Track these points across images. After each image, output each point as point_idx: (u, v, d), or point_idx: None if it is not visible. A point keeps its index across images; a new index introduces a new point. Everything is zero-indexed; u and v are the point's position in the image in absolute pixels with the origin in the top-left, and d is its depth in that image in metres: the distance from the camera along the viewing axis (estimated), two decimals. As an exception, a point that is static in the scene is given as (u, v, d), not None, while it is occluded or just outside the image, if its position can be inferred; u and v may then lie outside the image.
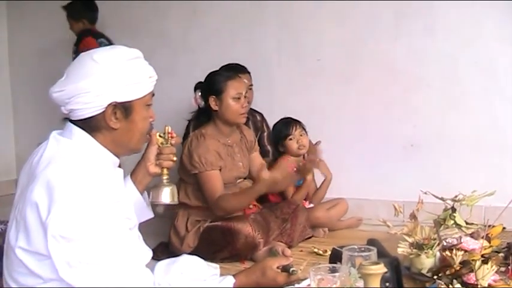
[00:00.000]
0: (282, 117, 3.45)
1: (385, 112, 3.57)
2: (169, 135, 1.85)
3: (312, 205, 3.36)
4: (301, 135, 3.34)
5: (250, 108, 3.48)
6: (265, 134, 3.56)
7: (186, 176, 2.90)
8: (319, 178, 3.43)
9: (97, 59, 1.62)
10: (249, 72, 3.43)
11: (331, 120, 3.69)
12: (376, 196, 3.54)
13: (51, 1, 4.26)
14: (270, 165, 3.18)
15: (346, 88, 3.67)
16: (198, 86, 3.03)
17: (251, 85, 3.41)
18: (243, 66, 3.43)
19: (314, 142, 3.41)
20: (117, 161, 1.71)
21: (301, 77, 3.78)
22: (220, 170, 2.86)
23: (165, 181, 1.85)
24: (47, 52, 4.50)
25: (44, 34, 4.56)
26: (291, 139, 3.33)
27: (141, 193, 1.86)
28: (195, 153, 2.83)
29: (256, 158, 3.12)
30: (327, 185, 3.38)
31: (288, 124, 3.36)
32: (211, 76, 2.97)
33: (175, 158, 1.85)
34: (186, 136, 3.22)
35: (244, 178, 3.05)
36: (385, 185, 3.54)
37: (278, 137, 3.38)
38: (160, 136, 1.84)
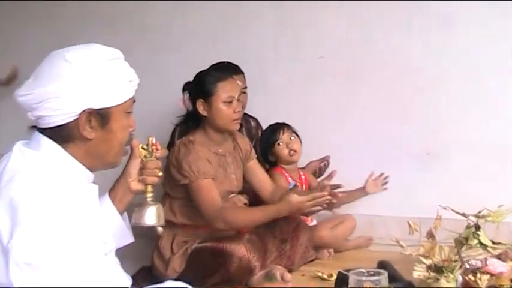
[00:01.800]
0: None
1: (398, 116, 3.58)
2: (154, 147, 1.86)
3: (315, 222, 3.36)
4: (290, 139, 3.34)
5: (244, 113, 3.47)
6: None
7: (173, 190, 2.91)
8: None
9: (70, 58, 1.62)
10: (242, 73, 3.44)
11: (335, 126, 3.69)
12: (388, 212, 3.54)
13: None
14: None
15: (352, 89, 3.67)
16: (186, 87, 3.04)
17: (245, 87, 3.42)
18: (236, 66, 3.44)
19: (321, 159, 3.45)
20: (91, 176, 1.70)
21: (301, 77, 3.78)
22: (213, 179, 2.87)
23: (149, 199, 1.85)
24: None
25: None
26: (279, 144, 3.33)
27: (121, 213, 1.86)
28: (184, 161, 2.83)
29: (255, 166, 3.14)
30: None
31: (273, 129, 3.37)
32: (200, 77, 2.98)
33: (161, 173, 1.86)
34: (171, 144, 3.24)
35: (238, 192, 3.05)
36: (398, 200, 3.53)
37: (266, 145, 3.38)
38: (143, 148, 1.85)
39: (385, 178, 3.30)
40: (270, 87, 3.84)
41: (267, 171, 3.36)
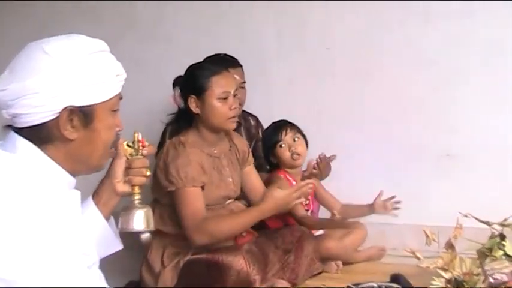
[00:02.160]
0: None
1: (412, 114, 3.60)
2: (140, 143, 1.86)
3: (321, 232, 3.35)
4: (294, 140, 3.34)
5: (243, 111, 3.48)
6: (261, 142, 3.56)
7: (162, 196, 2.91)
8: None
9: (50, 51, 1.61)
10: (241, 66, 3.45)
11: (343, 126, 3.71)
12: (402, 220, 3.50)
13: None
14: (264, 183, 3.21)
15: (362, 85, 3.68)
16: (178, 82, 3.04)
17: (243, 82, 3.43)
18: (234, 58, 3.45)
19: (325, 156, 3.41)
20: (73, 181, 1.69)
21: (306, 71, 3.80)
22: (203, 187, 2.87)
23: (136, 202, 1.86)
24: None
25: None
26: (281, 146, 3.33)
27: (107, 218, 1.86)
28: (171, 166, 2.83)
29: (251, 172, 3.14)
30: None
31: (276, 128, 3.37)
32: (191, 70, 2.98)
33: (149, 173, 1.86)
34: (162, 144, 3.24)
35: (236, 198, 3.06)
36: (414, 206, 3.51)
37: (267, 145, 3.40)
38: (128, 146, 1.85)
39: (396, 202, 3.30)
40: (272, 82, 3.86)
41: (269, 173, 3.37)
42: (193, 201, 2.81)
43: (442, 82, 3.54)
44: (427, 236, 2.30)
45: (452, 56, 3.52)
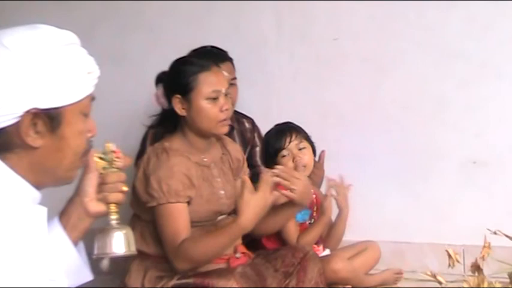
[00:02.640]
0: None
1: (433, 116, 3.63)
2: (114, 154, 1.85)
3: (327, 252, 3.35)
4: (300, 149, 3.33)
5: (236, 112, 3.47)
6: (257, 148, 3.60)
7: (142, 211, 2.91)
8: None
9: (9, 43, 1.61)
10: (230, 60, 3.46)
11: (354, 129, 3.73)
12: (421, 238, 3.57)
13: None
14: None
15: (375, 81, 3.70)
16: (161, 79, 3.02)
17: (234, 78, 3.43)
18: (222, 51, 3.46)
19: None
20: (37, 195, 1.69)
21: (310, 65, 3.82)
22: (189, 202, 2.86)
23: (114, 223, 1.84)
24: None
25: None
26: (284, 156, 3.32)
27: (76, 243, 1.82)
28: (152, 177, 2.82)
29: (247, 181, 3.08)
30: (343, 221, 3.37)
31: (279, 133, 3.36)
32: (175, 66, 2.98)
33: (125, 188, 1.84)
34: (142, 152, 3.24)
35: (229, 213, 3.03)
36: (435, 221, 3.57)
37: (268, 152, 3.39)
38: (100, 158, 1.83)
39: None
40: (270, 79, 3.88)
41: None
42: (175, 219, 2.80)
43: (468, 77, 3.55)
44: (450, 256, 2.24)
45: (478, 48, 3.53)
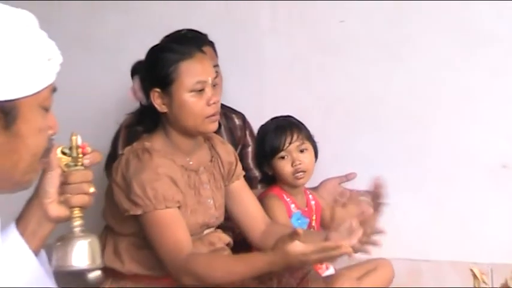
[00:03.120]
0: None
1: (459, 111, 3.63)
2: (80, 149, 1.86)
3: (332, 271, 3.34)
4: (301, 152, 3.34)
5: (223, 107, 3.46)
6: (250, 149, 3.63)
7: (117, 223, 2.93)
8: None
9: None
10: (211, 44, 3.49)
11: (364, 126, 3.74)
12: (442, 255, 3.58)
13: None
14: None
15: (390, 70, 3.70)
16: (137, 70, 3.02)
17: (216, 65, 3.42)
18: (201, 34, 3.48)
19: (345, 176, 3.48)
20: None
21: (312, 52, 3.81)
22: (179, 208, 2.86)
23: (77, 230, 1.86)
24: None
25: None
26: (282, 157, 3.31)
27: (36, 253, 1.84)
28: (135, 181, 2.82)
29: (241, 189, 3.13)
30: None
31: (278, 131, 3.34)
32: (153, 54, 2.99)
33: (92, 189, 1.86)
34: (114, 155, 3.27)
35: (218, 227, 3.07)
36: (458, 236, 3.58)
37: (264, 152, 3.37)
38: (64, 153, 1.86)
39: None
40: (264, 67, 3.89)
41: (265, 189, 3.38)
42: (172, 228, 2.80)
43: (500, 67, 3.55)
44: (475, 276, 2.33)
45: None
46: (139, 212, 2.80)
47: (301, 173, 3.28)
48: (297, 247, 2.66)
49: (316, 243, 2.69)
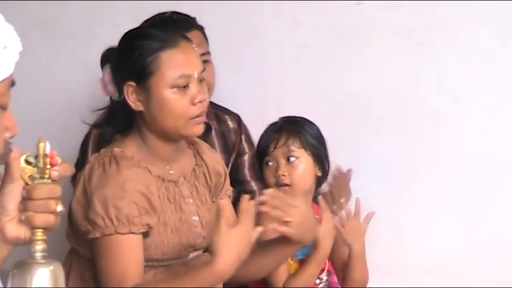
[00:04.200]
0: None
1: (498, 111, 3.70)
2: (48, 158, 1.83)
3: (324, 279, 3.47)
4: (288, 161, 3.42)
5: (215, 106, 3.57)
6: (246, 157, 3.72)
7: (82, 245, 2.96)
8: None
9: None
10: (199, 28, 3.54)
11: (385, 128, 3.82)
12: (478, 282, 3.63)
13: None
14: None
15: (415, 61, 3.77)
16: (108, 58, 3.04)
17: (206, 53, 3.50)
18: (188, 17, 3.55)
19: (340, 170, 3.56)
20: None
21: (323, 38, 3.89)
22: (146, 233, 2.89)
23: (38, 255, 1.84)
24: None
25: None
26: (268, 164, 3.44)
27: None
28: (96, 197, 2.83)
29: (227, 208, 3.10)
30: (357, 261, 3.45)
31: (269, 131, 3.49)
32: (127, 41, 3.01)
33: (60, 208, 1.83)
34: (82, 161, 3.34)
35: (205, 250, 3.09)
36: (497, 260, 3.67)
37: (258, 155, 3.56)
38: (28, 163, 1.84)
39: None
40: (265, 57, 3.97)
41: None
42: (123, 256, 2.83)
43: None
44: None
45: None
46: (97, 234, 2.82)
47: (280, 182, 3.39)
48: (231, 231, 2.76)
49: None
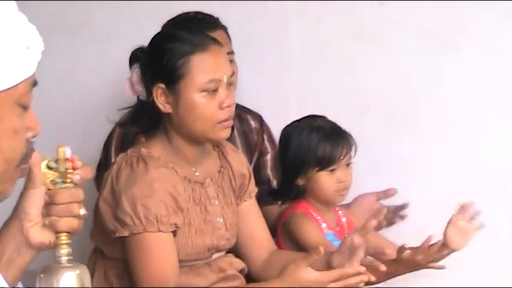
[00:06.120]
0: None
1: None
2: (70, 163, 1.85)
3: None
4: (347, 166, 3.35)
5: (237, 106, 3.46)
6: (268, 156, 3.70)
7: (107, 245, 2.96)
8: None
9: None
10: (223, 28, 3.53)
11: (409, 129, 3.78)
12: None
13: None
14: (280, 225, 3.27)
15: (440, 61, 3.73)
16: (137, 58, 3.04)
17: (230, 52, 3.45)
18: (211, 17, 3.54)
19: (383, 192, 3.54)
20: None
21: (345, 38, 3.85)
22: (175, 232, 2.89)
23: (64, 259, 1.84)
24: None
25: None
26: (333, 170, 3.34)
27: (14, 283, 1.86)
28: (124, 196, 2.84)
29: (250, 210, 3.17)
30: None
31: (332, 140, 3.34)
32: (158, 43, 3.00)
33: (83, 211, 1.85)
34: (106, 161, 3.36)
35: (228, 251, 3.10)
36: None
37: (302, 160, 3.36)
38: (49, 168, 1.85)
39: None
40: (287, 56, 3.92)
41: (289, 205, 3.40)
42: (158, 255, 2.85)
43: None
44: None
45: None
46: (126, 233, 2.83)
47: (343, 189, 3.33)
48: (308, 273, 2.77)
49: (332, 270, 2.78)
